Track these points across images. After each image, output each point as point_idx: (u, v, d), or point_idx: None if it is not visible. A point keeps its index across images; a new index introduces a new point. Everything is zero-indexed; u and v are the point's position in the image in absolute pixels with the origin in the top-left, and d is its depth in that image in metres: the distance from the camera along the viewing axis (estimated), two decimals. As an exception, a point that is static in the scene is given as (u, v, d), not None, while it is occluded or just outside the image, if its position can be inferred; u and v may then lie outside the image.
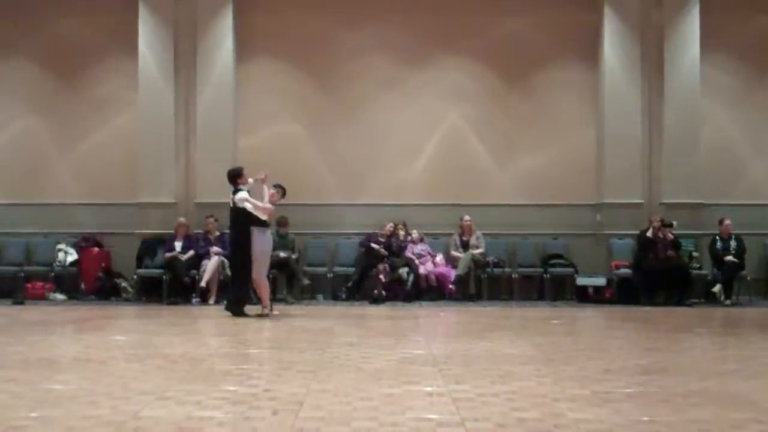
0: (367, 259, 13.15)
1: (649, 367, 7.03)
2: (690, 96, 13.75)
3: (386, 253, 13.16)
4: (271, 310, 10.91)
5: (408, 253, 13.37)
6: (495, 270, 13.42)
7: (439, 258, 13.50)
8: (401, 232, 13.52)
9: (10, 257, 14.04)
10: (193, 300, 12.68)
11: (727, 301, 12.90)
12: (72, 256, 13.67)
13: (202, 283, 12.54)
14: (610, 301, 12.90)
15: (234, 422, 5.00)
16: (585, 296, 13.12)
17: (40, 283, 13.49)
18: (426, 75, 14.22)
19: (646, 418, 5.10)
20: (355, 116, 14.18)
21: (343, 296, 13.17)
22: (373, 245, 13.22)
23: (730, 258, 13.15)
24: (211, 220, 13.03)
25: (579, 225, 13.86)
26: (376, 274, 12.97)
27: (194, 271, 12.86)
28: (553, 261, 13.59)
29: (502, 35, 14.14)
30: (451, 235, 13.74)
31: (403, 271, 13.08)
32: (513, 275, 13.60)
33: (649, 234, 13.00)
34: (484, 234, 13.62)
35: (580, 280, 13.27)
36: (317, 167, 14.13)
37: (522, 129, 14.14)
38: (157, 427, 4.88)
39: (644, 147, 13.79)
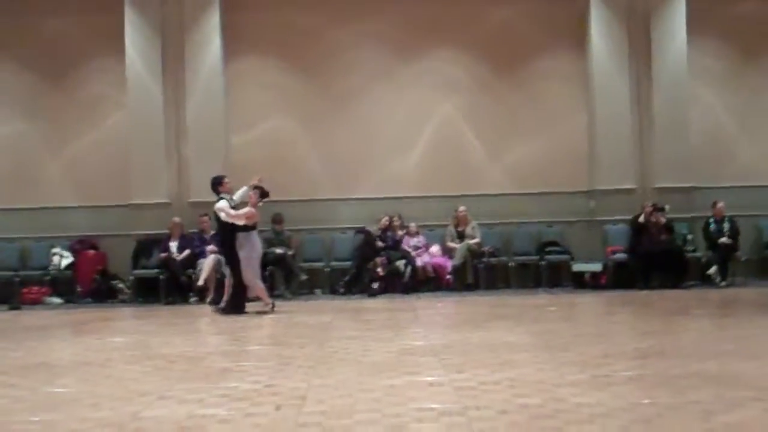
0: (364, 251, 13.14)
1: (647, 351, 7.06)
2: (678, 80, 13.76)
3: (383, 245, 13.16)
4: (273, 306, 10.87)
5: (404, 246, 13.38)
6: (491, 259, 13.44)
7: (435, 249, 13.51)
8: (396, 224, 13.52)
9: (4, 262, 13.95)
10: (191, 299, 12.67)
11: (723, 283, 12.93)
12: (67, 259, 13.64)
13: (200, 282, 12.50)
14: (607, 287, 12.91)
15: (237, 419, 5.01)
16: (581, 282, 13.14)
17: (35, 288, 13.43)
18: (416, 67, 14.21)
19: (646, 401, 5.12)
20: (346, 110, 14.16)
21: (341, 290, 13.17)
22: (371, 230, 13.22)
23: (724, 240, 13.19)
24: (206, 218, 12.98)
25: (573, 212, 13.88)
26: (373, 267, 12.98)
27: (191, 271, 12.85)
28: (548, 248, 13.61)
29: (491, 25, 14.13)
30: (446, 226, 13.74)
31: (401, 263, 13.08)
32: (509, 264, 13.61)
33: (641, 219, 13.04)
34: (479, 224, 13.63)
35: (576, 267, 13.29)
36: (310, 163, 14.12)
37: (513, 118, 14.14)
38: (159, 427, 4.88)
39: (635, 132, 13.81)
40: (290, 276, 13.13)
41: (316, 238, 13.94)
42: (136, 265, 13.29)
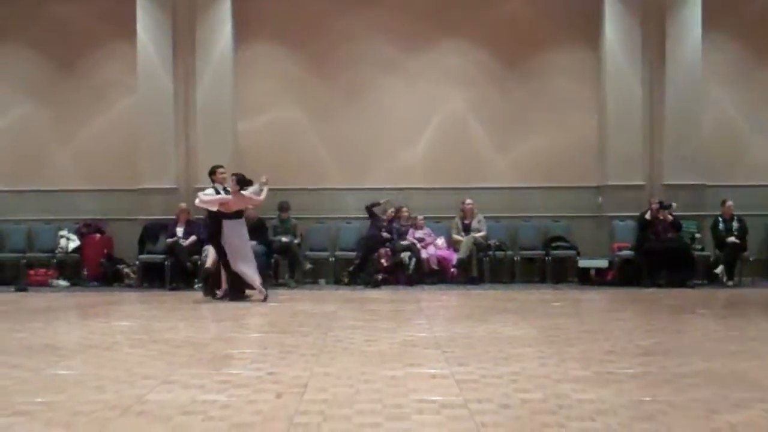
0: (369, 243, 13.14)
1: (651, 348, 7.04)
2: (692, 77, 13.71)
3: (388, 236, 13.16)
4: (266, 297, 10.86)
5: (410, 237, 13.37)
6: (497, 253, 13.43)
7: (441, 241, 13.50)
8: (405, 214, 13.51)
9: (12, 244, 14.06)
10: (196, 285, 12.68)
11: (730, 282, 12.92)
12: (74, 242, 13.69)
13: (207, 265, 12.45)
14: (612, 283, 12.90)
15: (238, 405, 5.02)
16: (587, 278, 13.13)
17: (42, 270, 13.52)
18: (426, 58, 14.18)
19: (648, 398, 5.11)
20: (355, 100, 14.16)
21: (346, 280, 13.17)
22: (375, 209, 13.24)
23: (732, 239, 13.16)
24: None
25: (581, 207, 13.86)
26: (378, 258, 12.98)
27: (196, 257, 12.86)
28: (554, 243, 13.60)
29: (502, 18, 14.10)
30: (452, 218, 13.73)
31: (405, 255, 13.08)
32: (515, 258, 13.61)
33: (647, 216, 13.01)
34: (485, 217, 13.62)
35: (582, 263, 13.28)
36: (318, 151, 14.12)
37: (523, 112, 14.11)
38: (162, 411, 4.89)
39: (646, 129, 13.77)
40: (295, 264, 13.15)
41: (321, 227, 13.96)
42: (142, 250, 13.32)
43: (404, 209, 13.56)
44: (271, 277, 13.14)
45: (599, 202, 13.83)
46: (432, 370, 6.06)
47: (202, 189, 11.74)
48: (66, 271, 13.66)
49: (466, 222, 13.61)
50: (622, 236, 13.49)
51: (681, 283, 12.54)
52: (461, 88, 14.18)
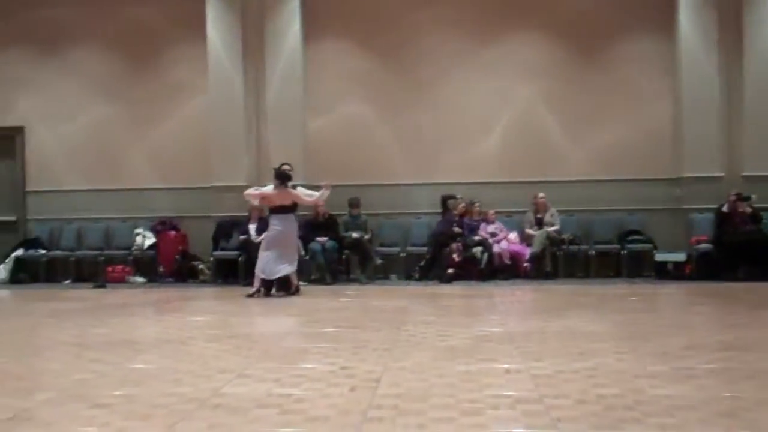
0: (440, 238, 13.08)
1: (731, 343, 6.86)
2: (771, 64, 13.30)
3: (460, 231, 13.08)
4: (256, 293, 10.99)
5: (481, 232, 13.27)
6: (570, 247, 13.24)
7: (513, 236, 13.37)
8: (476, 209, 13.42)
9: (90, 242, 14.43)
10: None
11: (812, 276, 12.49)
12: (150, 239, 13.96)
13: None
14: (691, 278, 12.57)
15: (313, 399, 5.05)
16: (664, 272, 12.84)
17: (119, 267, 13.83)
18: (496, 51, 14.04)
19: (729, 395, 4.97)
20: (425, 94, 14.11)
21: (417, 276, 13.15)
22: (449, 201, 13.17)
23: (814, 232, 12.72)
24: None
25: (657, 200, 13.57)
26: (449, 253, 12.91)
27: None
28: (630, 237, 13.32)
29: (572, 7, 13.87)
30: (525, 212, 13.59)
31: (477, 250, 12.98)
32: (589, 252, 13.39)
33: (725, 208, 12.67)
34: (558, 211, 13.44)
35: (659, 256, 12.99)
36: (388, 147, 14.12)
37: (596, 103, 13.87)
38: (239, 404, 4.95)
39: (724, 118, 13.39)
40: (366, 260, 13.17)
41: (392, 222, 13.96)
42: (216, 246, 13.51)
43: (476, 204, 13.47)
44: (342, 273, 13.21)
45: (676, 194, 13.51)
46: (506, 365, 6.01)
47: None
48: (142, 267, 13.94)
49: (539, 216, 13.45)
50: (700, 229, 13.14)
51: (761, 277, 12.17)
52: (533, 80, 14.02)
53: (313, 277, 12.83)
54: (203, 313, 9.81)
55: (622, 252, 13.23)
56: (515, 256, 13.13)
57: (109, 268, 13.78)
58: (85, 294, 12.13)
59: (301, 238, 12.88)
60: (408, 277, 13.35)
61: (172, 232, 14.03)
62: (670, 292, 11.53)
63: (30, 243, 14.36)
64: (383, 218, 13.95)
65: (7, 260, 14.04)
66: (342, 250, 13.15)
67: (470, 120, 14.00)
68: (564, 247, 13.19)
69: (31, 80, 14.81)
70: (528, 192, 13.54)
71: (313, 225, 13.22)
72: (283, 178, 11.14)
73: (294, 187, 11.27)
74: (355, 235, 13.14)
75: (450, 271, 12.78)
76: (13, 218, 14.82)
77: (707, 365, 5.89)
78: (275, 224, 11.05)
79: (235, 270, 13.20)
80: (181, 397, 5.15)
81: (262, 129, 13.99)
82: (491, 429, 4.40)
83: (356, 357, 6.42)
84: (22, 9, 14.73)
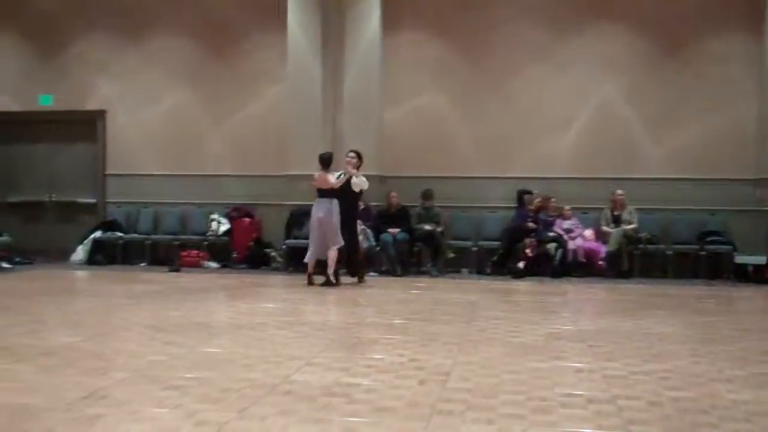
0: (514, 232, 12.95)
1: (816, 351, 6.63)
2: None
3: (534, 226, 12.92)
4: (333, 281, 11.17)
5: (556, 228, 13.09)
6: (648, 246, 12.95)
7: (589, 233, 13.15)
8: (552, 204, 13.24)
9: (166, 227, 14.71)
10: (340, 270, 12.84)
11: None
12: (224, 226, 14.15)
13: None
14: (772, 281, 12.23)
15: (381, 390, 5.04)
16: (744, 275, 12.46)
17: (194, 252, 14.04)
18: (576, 44, 13.80)
19: (813, 403, 4.81)
20: (502, 87, 13.96)
21: (489, 270, 13.05)
22: (525, 196, 13.06)
23: None
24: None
25: (738, 201, 13.17)
26: (522, 248, 12.77)
27: (341, 242, 13.02)
28: (709, 238, 12.98)
29: (657, 2, 13.55)
30: (601, 209, 13.35)
31: (551, 246, 12.81)
32: (667, 252, 13.09)
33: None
34: (636, 209, 13.16)
35: (739, 258, 12.62)
36: (463, 139, 14.02)
37: (678, 100, 13.52)
38: (308, 391, 4.97)
39: (812, 118, 12.93)
40: (437, 253, 13.12)
41: (465, 215, 13.86)
42: (288, 234, 13.61)
43: (552, 199, 13.29)
44: (413, 265, 13.18)
45: (758, 195, 13.10)
46: (578, 364, 5.92)
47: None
48: (216, 253, 14.14)
49: (617, 213, 13.19)
50: (783, 232, 12.74)
51: None
52: (613, 75, 13.74)
53: (383, 268, 12.84)
54: (274, 300, 9.91)
55: (700, 253, 12.90)
56: (590, 254, 12.91)
57: (184, 253, 14.00)
58: (160, 277, 12.36)
59: (372, 228, 12.96)
60: (480, 271, 13.25)
61: (247, 219, 14.19)
62: (749, 295, 11.20)
63: (108, 225, 14.69)
64: (456, 211, 13.86)
65: (85, 242, 14.40)
66: (413, 242, 13.12)
67: (547, 113, 13.80)
68: (641, 246, 12.92)
69: (113, 65, 15.15)
70: (605, 189, 13.29)
71: (385, 216, 13.23)
72: (323, 162, 11.32)
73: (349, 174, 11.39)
74: (427, 227, 13.10)
75: (523, 266, 12.65)
76: (93, 201, 15.21)
77: (789, 372, 5.72)
78: (314, 209, 11.26)
79: (306, 258, 13.26)
80: (252, 382, 5.21)
81: (338, 118, 14.01)
82: (561, 428, 4.33)
83: (425, 350, 6.39)
84: (106, -5, 15.10)
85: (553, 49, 13.80)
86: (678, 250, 13.06)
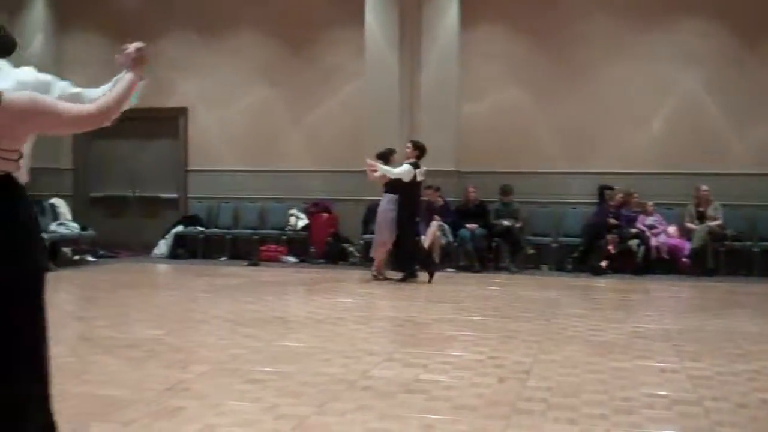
0: (595, 229, 12.72)
1: None
2: None
3: (616, 223, 12.67)
4: (378, 276, 11.30)
5: (639, 224, 12.82)
6: (734, 243, 12.58)
7: (672, 229, 12.84)
8: (634, 200, 12.97)
9: (246, 221, 14.90)
10: (414, 266, 12.80)
11: None
12: (303, 221, 14.27)
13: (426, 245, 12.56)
14: None
15: (460, 387, 5.01)
16: (835, 274, 12.04)
17: (273, 246, 14.19)
18: (654, 36, 13.46)
19: None
20: (581, 81, 13.72)
21: (569, 267, 12.86)
22: (606, 191, 12.85)
23: None
24: (430, 191, 13.00)
25: (829, 196, 12.71)
26: (604, 245, 12.54)
27: (417, 239, 12.97)
28: (798, 235, 12.56)
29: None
30: (685, 205, 13.02)
31: (634, 242, 12.54)
32: (753, 249, 12.70)
33: None
34: (722, 205, 12.80)
35: (828, 256, 12.19)
36: (542, 134, 13.83)
37: (761, 93, 13.09)
38: (387, 387, 4.97)
39: None
40: (516, 249, 12.99)
41: (544, 211, 13.68)
42: (365, 229, 13.65)
43: (634, 195, 13.02)
44: (491, 261, 13.08)
45: None
46: (662, 364, 5.79)
47: (430, 171, 11.94)
48: (294, 248, 14.26)
49: (701, 209, 12.85)
50: None
51: None
52: (695, 68, 13.36)
53: (461, 263, 12.77)
54: (352, 295, 9.94)
55: (789, 250, 12.48)
56: (674, 251, 12.61)
57: (263, 247, 14.17)
58: (240, 271, 12.53)
59: (450, 224, 12.90)
60: (560, 267, 13.06)
61: (324, 215, 14.29)
62: (843, 295, 10.79)
63: (189, 220, 14.96)
64: (535, 207, 13.69)
65: (167, 236, 14.70)
66: (492, 237, 13.01)
67: (628, 107, 13.51)
68: (727, 242, 12.56)
69: (194, 63, 15.39)
70: (689, 184, 12.94)
71: (463, 212, 13.15)
72: (378, 157, 11.44)
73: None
74: (506, 223, 12.98)
75: (604, 263, 12.43)
76: (175, 196, 15.50)
77: None
78: (381, 203, 11.41)
79: (384, 254, 13.28)
80: (331, 377, 5.23)
81: (415, 113, 13.98)
82: (645, 429, 4.24)
83: (505, 347, 6.33)
84: (187, -6, 15.36)
85: (632, 41, 13.49)
86: (764, 248, 12.64)
